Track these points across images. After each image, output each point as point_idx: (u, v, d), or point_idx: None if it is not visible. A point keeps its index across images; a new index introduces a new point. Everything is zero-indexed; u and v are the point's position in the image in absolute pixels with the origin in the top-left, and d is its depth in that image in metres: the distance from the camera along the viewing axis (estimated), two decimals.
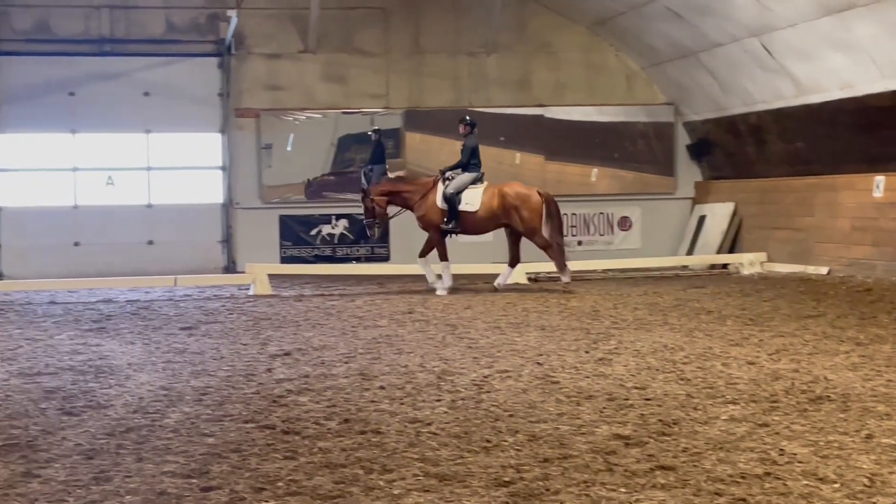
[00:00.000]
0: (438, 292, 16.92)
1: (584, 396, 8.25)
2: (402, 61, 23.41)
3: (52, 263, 21.42)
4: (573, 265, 18.27)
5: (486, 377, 9.18)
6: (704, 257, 22.30)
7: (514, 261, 17.56)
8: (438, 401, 8.17)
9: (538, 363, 9.90)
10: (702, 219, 23.72)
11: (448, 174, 17.12)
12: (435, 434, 7.06)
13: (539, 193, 17.15)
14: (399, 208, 17.69)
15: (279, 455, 6.56)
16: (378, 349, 10.99)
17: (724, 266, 21.53)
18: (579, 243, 23.80)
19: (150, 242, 22.31)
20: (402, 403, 8.09)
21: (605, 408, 7.83)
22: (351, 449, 6.68)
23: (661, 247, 23.80)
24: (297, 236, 22.90)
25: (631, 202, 24.27)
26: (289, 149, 22.15)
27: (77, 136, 22.37)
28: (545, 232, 17.01)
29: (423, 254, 17.61)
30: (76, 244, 21.88)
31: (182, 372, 9.73)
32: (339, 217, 22.96)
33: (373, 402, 8.18)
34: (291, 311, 15.01)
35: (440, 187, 17.07)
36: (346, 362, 10.16)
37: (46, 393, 8.72)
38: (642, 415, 7.57)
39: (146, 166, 22.66)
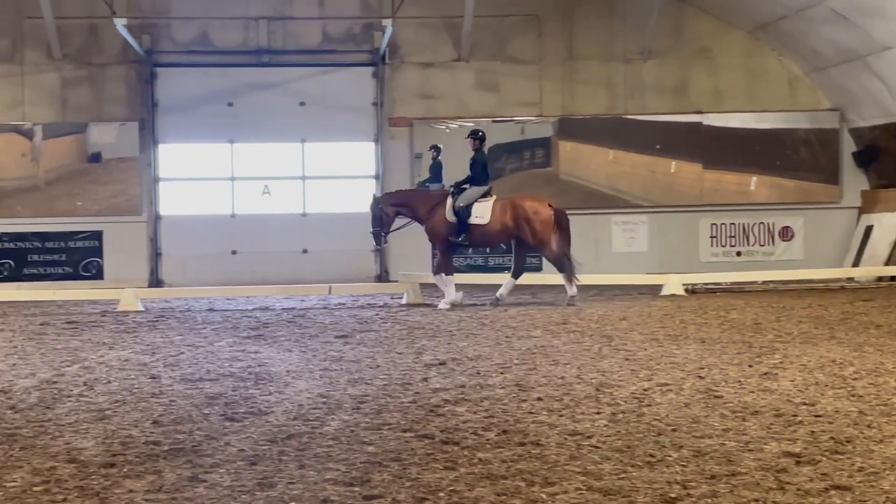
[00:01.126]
0: (440, 306, 16.85)
1: (750, 412, 7.95)
2: (556, 68, 23.23)
3: (210, 271, 21.89)
4: (733, 276, 17.82)
5: (645, 390, 8.94)
6: (872, 269, 21.48)
7: (517, 273, 17.49)
8: (598, 413, 7.98)
9: (699, 377, 9.61)
10: (869, 229, 22.88)
11: (451, 187, 17.35)
12: (596, 447, 6.88)
13: (550, 206, 17.24)
14: (408, 220, 17.80)
15: (439, 465, 6.48)
16: (533, 360, 10.84)
17: (893, 278, 20.71)
18: (738, 254, 23.23)
19: (305, 251, 22.61)
20: (560, 415, 7.93)
21: (772, 424, 7.52)
22: (511, 460, 6.56)
23: (825, 258, 23.06)
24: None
25: (793, 211, 23.56)
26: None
27: (235, 145, 22.82)
28: (555, 245, 17.09)
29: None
30: (233, 252, 22.31)
31: (339, 380, 9.74)
32: None
33: (530, 413, 8.04)
34: (444, 320, 14.97)
35: (449, 201, 17.15)
36: (501, 373, 10.04)
37: (209, 399, 8.83)
38: (812, 432, 7.25)
39: (301, 175, 22.98)
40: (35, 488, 6.06)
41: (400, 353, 11.50)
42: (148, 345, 12.62)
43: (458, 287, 17.38)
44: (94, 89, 22.35)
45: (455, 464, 6.50)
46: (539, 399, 8.59)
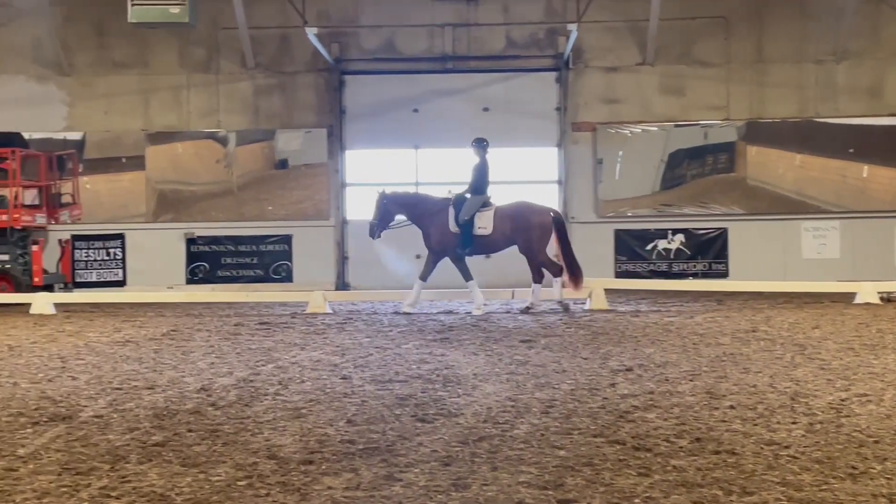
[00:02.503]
0: (404, 309, 17.23)
1: None
2: (744, 71, 22.72)
3: (395, 275, 22.18)
4: None
5: (843, 400, 8.67)
6: None
7: (537, 277, 17.52)
8: (794, 423, 7.78)
9: None
10: None
11: (452, 196, 17.53)
12: (794, 458, 6.71)
13: (550, 213, 17.41)
14: (407, 221, 17.87)
15: (632, 471, 6.43)
16: (723, 367, 10.63)
17: None
18: None
19: (487, 256, 22.67)
20: (754, 424, 7.76)
21: None
22: (706, 469, 6.46)
23: None
24: (632, 251, 22.69)
25: None
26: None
27: (420, 151, 23.10)
28: (551, 252, 17.33)
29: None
30: (417, 256, 22.53)
31: (526, 384, 9.75)
32: (675, 232, 22.58)
33: (723, 421, 7.89)
34: (629, 326, 14.83)
35: (451, 212, 17.27)
36: (690, 380, 9.87)
37: (399, 400, 8.96)
38: None
39: None
40: (238, 483, 6.27)
41: (585, 359, 11.44)
42: (337, 346, 12.89)
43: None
44: (285, 97, 22.98)
45: (649, 470, 6.44)
46: (731, 407, 8.42)
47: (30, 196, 21.86)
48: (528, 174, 23.18)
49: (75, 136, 22.96)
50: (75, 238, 22.49)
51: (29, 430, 7.86)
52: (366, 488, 6.11)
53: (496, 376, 10.23)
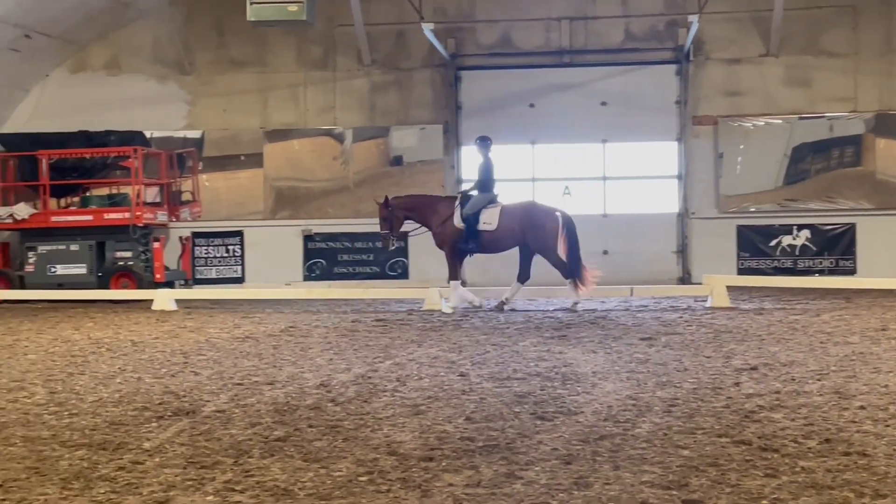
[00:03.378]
0: (444, 309, 17.04)
1: None
2: (873, 61, 22.05)
3: (512, 272, 22.00)
4: None
5: None
6: None
7: (523, 276, 17.52)
8: None
9: None
10: None
11: (461, 194, 17.58)
12: None
13: (558, 213, 17.28)
14: (418, 226, 17.96)
15: (759, 472, 6.24)
16: (852, 367, 10.30)
17: None
18: None
19: (605, 252, 22.46)
20: (886, 425, 7.48)
21: None
22: (836, 470, 6.24)
23: None
24: (755, 247, 22.21)
25: None
26: None
27: (536, 146, 22.95)
28: (560, 252, 17.09)
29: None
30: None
31: (647, 382, 9.57)
32: (800, 227, 22.04)
33: (853, 422, 7.62)
34: (753, 324, 14.49)
35: (458, 209, 17.28)
36: (818, 379, 9.58)
37: (518, 397, 8.87)
38: None
39: (602, 176, 22.85)
40: (360, 478, 6.24)
41: (708, 357, 11.20)
42: (454, 343, 12.85)
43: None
44: (401, 93, 23.05)
45: (776, 471, 6.25)
46: (862, 408, 8.15)
47: (151, 194, 22.31)
48: (646, 169, 22.88)
49: (195, 134, 23.37)
50: (195, 235, 22.88)
51: (154, 425, 7.96)
52: (486, 486, 6.03)
53: (616, 374, 10.07)
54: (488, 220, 17.27)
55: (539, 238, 17.22)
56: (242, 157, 23.41)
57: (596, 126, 22.66)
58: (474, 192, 17.55)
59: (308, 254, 23.03)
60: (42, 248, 20.90)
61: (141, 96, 23.15)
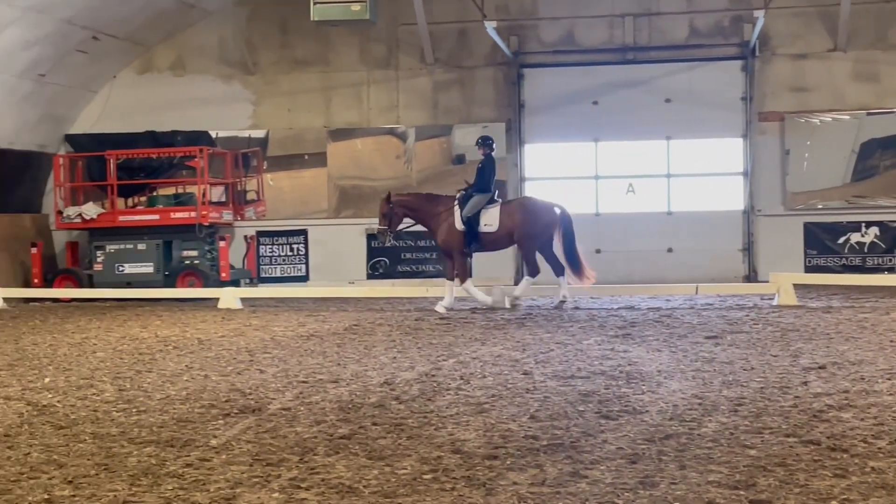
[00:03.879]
0: (437, 308, 16.92)
1: None
2: None
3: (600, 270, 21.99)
4: None
5: None
6: None
7: (557, 271, 17.58)
8: None
9: None
10: None
11: (460, 194, 17.43)
12: None
13: (556, 208, 17.45)
14: (412, 222, 17.89)
15: (828, 472, 6.17)
16: None
17: None
18: None
19: (670, 250, 22.30)
20: None
21: None
22: None
23: None
24: (822, 244, 21.90)
25: None
26: None
27: (599, 144, 22.82)
28: (556, 247, 17.33)
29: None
30: (597, 251, 22.30)
31: (713, 381, 9.49)
32: (869, 225, 21.70)
33: None
34: (821, 322, 14.30)
35: (457, 210, 17.23)
36: (888, 378, 9.45)
37: (582, 396, 8.83)
38: None
39: (666, 173, 22.66)
40: (424, 476, 6.25)
41: (775, 356, 11.07)
42: (518, 341, 12.82)
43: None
44: (464, 92, 23.04)
45: (845, 472, 6.19)
46: None
47: (217, 193, 22.51)
48: (711, 166, 22.65)
49: (259, 133, 23.55)
50: (260, 234, 23.06)
51: (220, 422, 8.04)
52: (551, 484, 6.02)
53: (681, 373, 9.99)
54: (489, 222, 17.33)
55: (529, 231, 17.33)
56: (306, 157, 23.55)
57: (660, 123, 22.46)
58: (473, 194, 17.49)
59: (371, 252, 23.10)
60: (110, 248, 21.17)
61: (206, 96, 23.37)
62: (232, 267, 21.52)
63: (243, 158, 23.20)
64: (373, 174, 23.29)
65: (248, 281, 22.34)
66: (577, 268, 17.28)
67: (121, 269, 21.11)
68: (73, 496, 6.02)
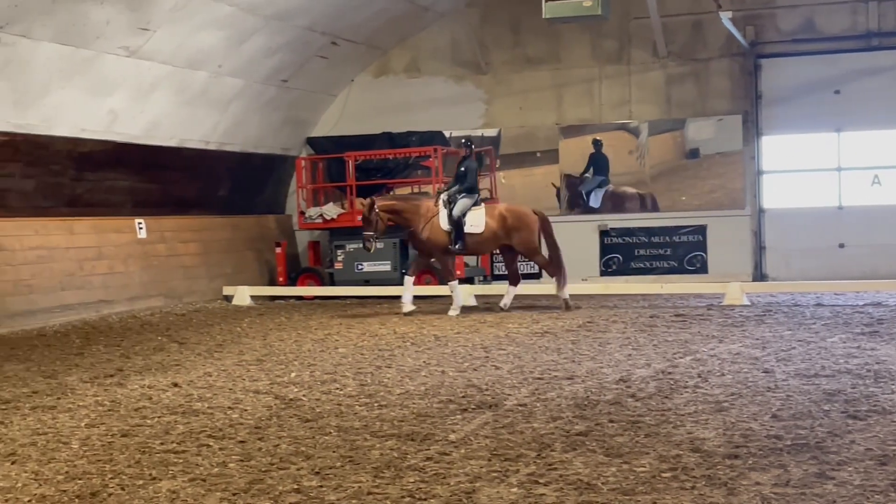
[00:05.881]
0: (450, 313, 16.72)
1: None
2: None
3: (816, 265, 21.25)
4: None
5: None
6: None
7: (514, 280, 17.56)
8: None
9: None
10: None
11: (444, 196, 17.15)
12: None
13: (534, 213, 17.41)
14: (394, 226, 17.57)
15: None
16: None
17: None
18: None
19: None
20: None
21: None
22: None
23: None
24: None
25: None
26: None
27: (842, 134, 21.95)
28: (544, 251, 17.39)
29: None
30: (840, 246, 21.49)
31: None
32: None
33: None
34: None
35: (443, 211, 16.98)
36: None
37: (826, 395, 8.55)
38: None
39: None
40: (663, 475, 6.19)
41: None
42: (757, 339, 12.52)
43: None
44: (697, 84, 22.59)
45: None
46: None
47: None
48: None
49: (491, 132, 23.76)
50: None
51: (458, 417, 8.17)
52: (796, 485, 5.85)
53: None
54: (474, 223, 17.12)
55: (522, 241, 17.27)
56: (538, 154, 23.62)
57: None
58: (459, 196, 17.17)
59: (604, 249, 22.96)
60: (349, 247, 21.76)
61: (439, 97, 23.75)
62: (466, 265, 21.78)
63: (477, 157, 23.44)
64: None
65: (481, 278, 22.57)
66: (560, 271, 17.35)
67: (360, 267, 21.68)
68: (321, 486, 6.24)
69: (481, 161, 23.21)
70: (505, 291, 17.68)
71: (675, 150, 22.96)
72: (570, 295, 17.39)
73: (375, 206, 17.07)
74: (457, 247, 17.25)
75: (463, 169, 17.51)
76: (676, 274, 22.18)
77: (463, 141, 18.07)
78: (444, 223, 17.18)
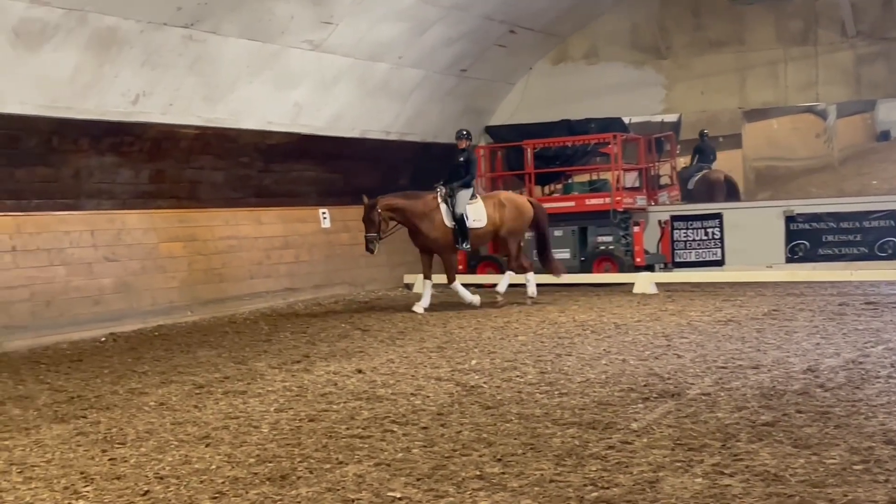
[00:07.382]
0: (415, 308, 16.36)
1: None
2: None
3: None
4: None
5: None
6: None
7: (522, 268, 17.45)
8: None
9: None
10: None
11: (443, 189, 16.67)
12: None
13: (530, 203, 17.50)
14: (397, 225, 16.72)
15: None
16: None
17: None
18: None
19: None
20: None
21: None
22: None
23: None
24: None
25: None
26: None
27: None
28: (521, 241, 17.55)
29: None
30: None
31: None
32: None
33: None
34: None
35: (444, 207, 16.57)
36: None
37: None
38: None
39: None
40: (854, 467, 6.01)
41: None
42: None
43: None
44: (889, 64, 21.77)
45: None
46: None
47: (630, 179, 22.61)
48: None
49: (671, 117, 23.43)
50: (674, 219, 22.88)
51: (640, 406, 8.10)
52: None
53: None
54: (476, 217, 16.73)
55: (513, 230, 17.08)
56: (720, 139, 23.19)
57: None
58: (459, 190, 16.70)
59: (790, 235, 22.35)
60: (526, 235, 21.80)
61: (618, 83, 23.52)
62: (646, 252, 21.54)
63: (656, 143, 23.17)
64: (790, 154, 22.58)
65: (662, 266, 22.29)
66: (548, 262, 17.58)
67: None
68: (503, 473, 6.28)
69: (661, 146, 22.93)
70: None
71: (865, 132, 22.23)
72: (754, 282, 17.01)
73: (377, 207, 16.48)
74: (464, 245, 17.02)
75: (462, 160, 17.16)
76: (867, 260, 21.40)
77: (462, 133, 17.38)
78: (447, 220, 16.78)
